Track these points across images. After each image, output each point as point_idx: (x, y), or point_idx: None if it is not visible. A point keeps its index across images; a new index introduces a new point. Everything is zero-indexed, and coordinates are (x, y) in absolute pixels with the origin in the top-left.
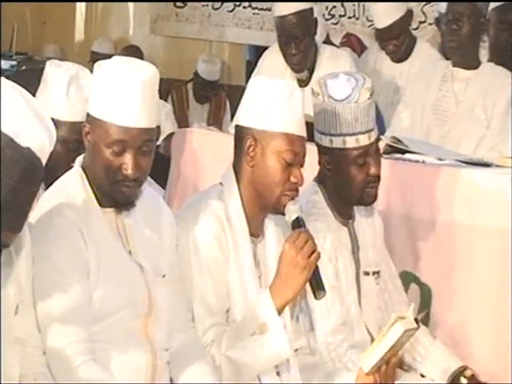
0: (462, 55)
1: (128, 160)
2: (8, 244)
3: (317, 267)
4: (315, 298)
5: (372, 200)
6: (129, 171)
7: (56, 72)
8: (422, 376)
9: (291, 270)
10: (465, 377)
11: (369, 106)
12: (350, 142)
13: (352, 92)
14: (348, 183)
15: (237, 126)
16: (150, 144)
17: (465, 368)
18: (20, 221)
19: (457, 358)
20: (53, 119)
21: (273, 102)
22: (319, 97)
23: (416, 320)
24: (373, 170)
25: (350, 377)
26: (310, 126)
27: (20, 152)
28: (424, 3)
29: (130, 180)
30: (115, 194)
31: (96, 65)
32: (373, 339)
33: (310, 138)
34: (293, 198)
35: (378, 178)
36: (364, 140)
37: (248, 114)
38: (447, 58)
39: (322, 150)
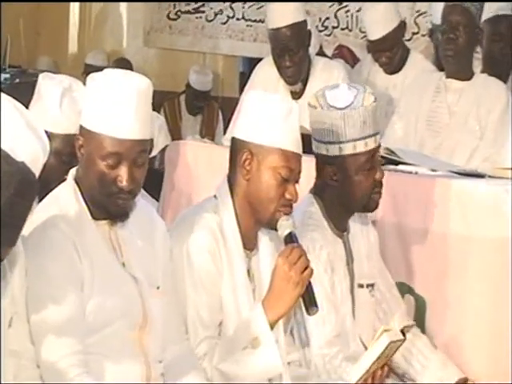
0: (457, 64)
1: (123, 172)
2: (3, 257)
3: (310, 283)
4: (308, 313)
5: (376, 206)
6: (124, 183)
7: (49, 84)
8: None
9: (284, 285)
10: None
11: (374, 109)
12: (360, 147)
13: (355, 99)
14: (356, 189)
15: (233, 139)
16: (144, 155)
17: (465, 380)
18: (15, 234)
19: (457, 368)
20: (46, 132)
21: (271, 117)
22: (317, 109)
23: (402, 331)
24: (378, 175)
25: None
26: (304, 138)
27: (16, 166)
28: (417, 14)
29: (125, 192)
30: (110, 206)
31: (89, 77)
32: None
33: (305, 149)
34: (287, 214)
35: (381, 183)
36: (371, 143)
37: (245, 128)
38: (441, 70)
39: (328, 161)
